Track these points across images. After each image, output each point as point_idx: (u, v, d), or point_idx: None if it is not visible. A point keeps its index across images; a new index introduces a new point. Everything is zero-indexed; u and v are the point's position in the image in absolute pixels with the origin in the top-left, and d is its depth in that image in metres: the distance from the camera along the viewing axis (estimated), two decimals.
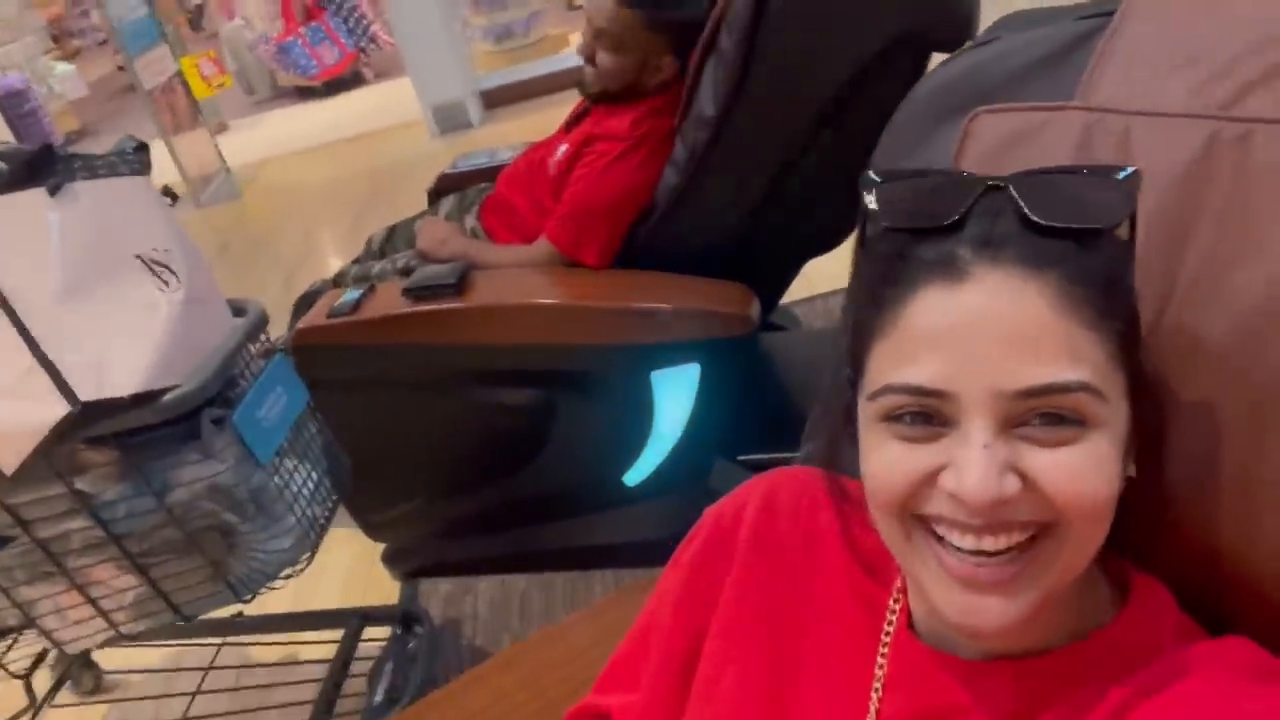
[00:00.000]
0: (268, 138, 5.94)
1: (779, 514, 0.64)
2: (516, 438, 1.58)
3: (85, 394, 0.96)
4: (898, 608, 0.58)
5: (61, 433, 0.97)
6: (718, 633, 0.63)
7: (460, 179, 2.02)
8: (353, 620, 1.54)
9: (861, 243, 0.53)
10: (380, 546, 1.84)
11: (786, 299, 2.01)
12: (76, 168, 1.09)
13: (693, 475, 1.54)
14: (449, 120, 4.94)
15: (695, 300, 1.44)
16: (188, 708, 1.52)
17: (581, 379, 1.50)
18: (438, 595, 1.80)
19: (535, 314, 1.46)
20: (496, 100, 5.20)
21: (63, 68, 7.25)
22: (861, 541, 0.61)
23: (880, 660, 0.56)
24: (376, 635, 1.62)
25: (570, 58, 4.95)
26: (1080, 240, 0.46)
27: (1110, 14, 0.63)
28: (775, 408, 1.83)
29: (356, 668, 1.53)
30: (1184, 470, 0.54)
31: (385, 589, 1.84)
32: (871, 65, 1.29)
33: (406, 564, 1.81)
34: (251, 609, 1.63)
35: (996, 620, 0.46)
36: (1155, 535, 0.56)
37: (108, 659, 1.77)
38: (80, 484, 1.08)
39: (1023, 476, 0.45)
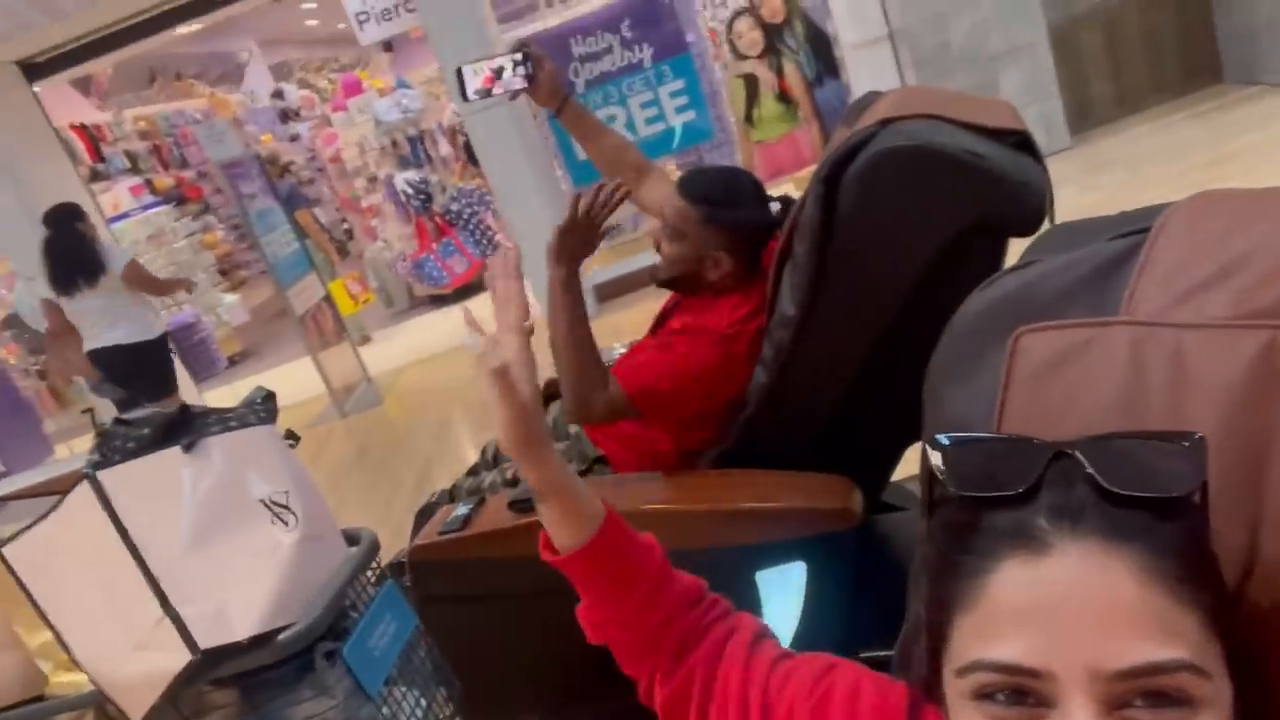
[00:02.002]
0: (405, 346, 6.39)
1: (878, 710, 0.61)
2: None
3: (205, 642, 1.02)
4: None
5: (184, 680, 1.03)
6: None
7: None
8: None
9: (929, 506, 0.53)
10: None
11: (903, 476, 1.95)
12: (210, 423, 1.20)
13: None
14: None
15: (795, 498, 1.42)
16: None
17: None
18: None
19: (636, 520, 1.46)
20: (608, 293, 5.46)
21: (229, 298, 8.12)
22: None
23: None
24: None
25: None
26: (1159, 510, 0.45)
27: (1145, 230, 0.63)
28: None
29: None
30: None
31: None
32: (948, 253, 1.31)
33: None
34: None
35: None
36: None
37: None
38: None
39: None
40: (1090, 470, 0.45)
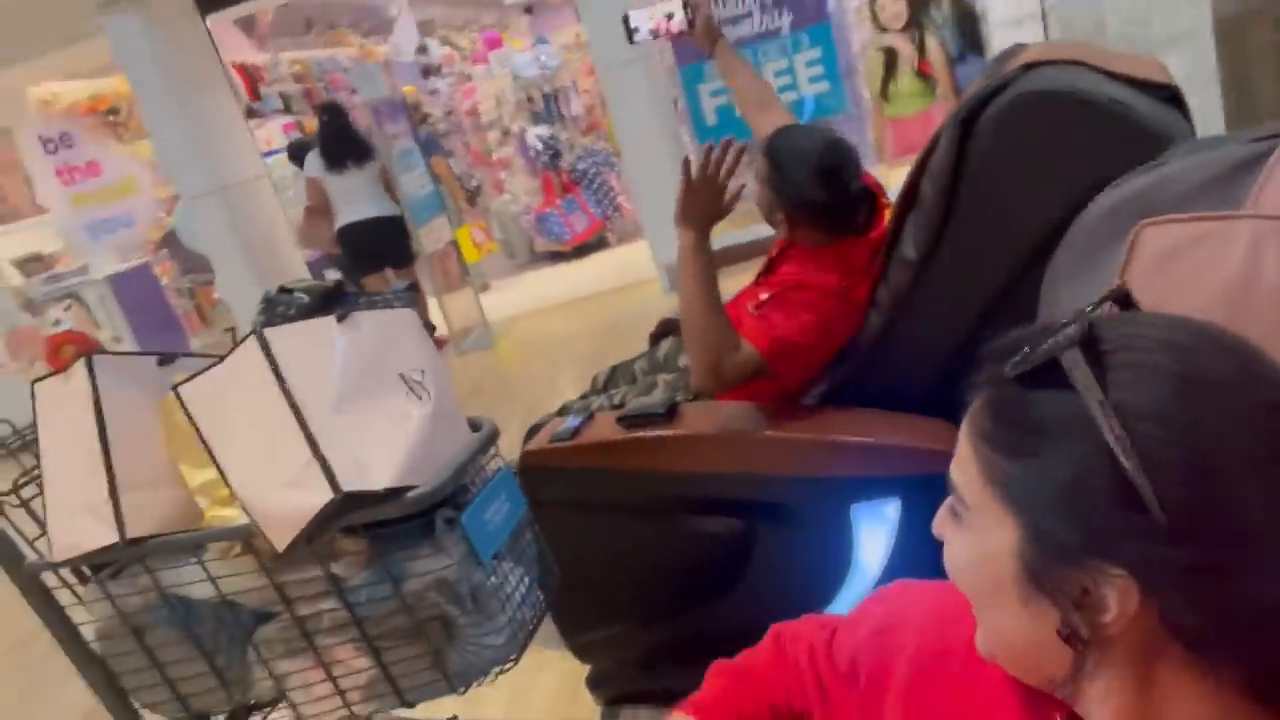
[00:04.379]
0: (523, 296, 6.58)
1: (950, 618, 0.65)
2: (717, 566, 1.62)
3: (347, 485, 1.14)
4: None
5: (325, 517, 1.15)
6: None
7: (680, 324, 2.17)
8: None
9: None
10: (585, 670, 1.91)
11: None
12: (361, 301, 1.32)
13: None
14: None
15: (897, 435, 1.45)
16: None
17: (782, 510, 1.53)
18: None
19: (739, 443, 1.52)
20: (720, 261, 5.48)
21: None
22: None
23: None
24: None
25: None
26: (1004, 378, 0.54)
27: (1276, 136, 0.64)
28: None
29: None
30: None
31: (586, 712, 1.88)
32: (1080, 209, 1.30)
33: (608, 690, 1.86)
34: (465, 717, 1.74)
35: None
36: None
37: None
38: (335, 568, 1.25)
39: None
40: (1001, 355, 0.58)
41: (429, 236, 5.28)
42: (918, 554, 1.51)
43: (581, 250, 7.18)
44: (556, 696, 1.94)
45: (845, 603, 1.52)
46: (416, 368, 1.30)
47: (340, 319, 1.26)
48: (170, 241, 6.94)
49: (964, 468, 0.56)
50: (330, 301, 1.29)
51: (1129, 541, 0.47)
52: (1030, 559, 0.52)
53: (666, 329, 2.19)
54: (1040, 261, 1.37)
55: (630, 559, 1.69)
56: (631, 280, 5.89)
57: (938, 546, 1.50)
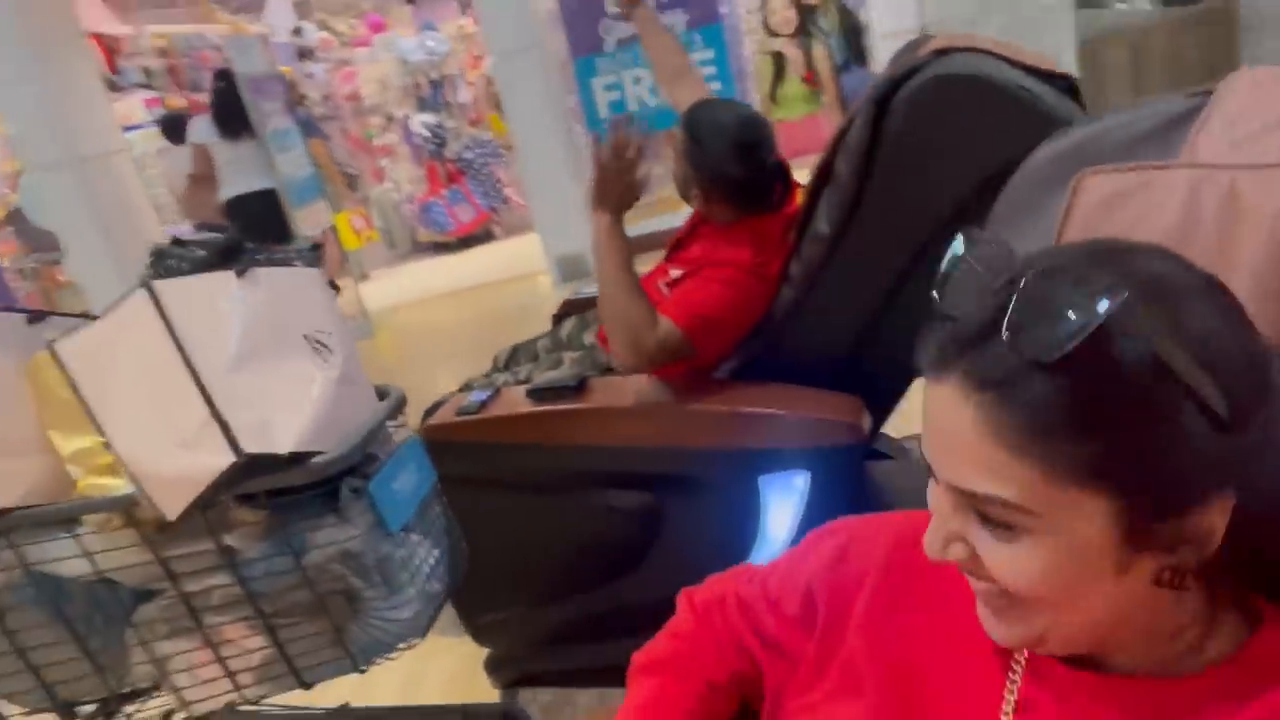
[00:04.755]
0: (404, 286, 6.40)
1: (911, 543, 0.66)
2: (623, 543, 1.60)
3: (249, 447, 1.06)
4: None
5: (225, 482, 1.07)
6: (849, 660, 0.64)
7: (582, 304, 2.15)
8: (455, 716, 1.54)
9: None
10: (483, 653, 1.86)
11: (899, 433, 2.01)
12: (261, 257, 1.24)
13: None
14: (572, 270, 5.24)
15: (806, 408, 1.47)
16: None
17: (691, 483, 1.53)
18: (536, 704, 1.78)
19: (650, 416, 1.51)
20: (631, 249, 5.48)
21: None
22: None
23: (1012, 679, 0.57)
24: None
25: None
26: (1040, 365, 0.45)
27: (1209, 92, 0.68)
28: None
29: None
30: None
31: (484, 696, 1.83)
32: (985, 189, 1.35)
33: (508, 672, 1.81)
34: (356, 703, 1.66)
35: (1000, 635, 0.55)
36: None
37: None
38: (228, 540, 1.16)
39: (973, 550, 0.51)
40: (1010, 305, 0.46)
41: (307, 220, 5.06)
42: (823, 522, 1.54)
43: (467, 241, 7.05)
44: (452, 681, 1.88)
45: None
46: (322, 329, 1.23)
47: (240, 274, 1.18)
48: (16, 220, 6.39)
49: (1007, 478, 0.47)
50: (228, 256, 1.21)
51: (1225, 465, 0.46)
52: (1127, 526, 0.47)
53: (569, 309, 2.17)
54: (946, 241, 1.43)
55: (536, 536, 1.66)
56: (520, 272, 5.82)
57: (847, 513, 1.52)
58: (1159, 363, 0.44)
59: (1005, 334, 0.46)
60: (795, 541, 1.48)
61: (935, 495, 0.53)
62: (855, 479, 1.54)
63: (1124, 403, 0.45)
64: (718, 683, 0.77)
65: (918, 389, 0.53)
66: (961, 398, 0.48)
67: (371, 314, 5.61)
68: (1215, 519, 0.48)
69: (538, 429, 1.57)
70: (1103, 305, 0.43)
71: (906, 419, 1.89)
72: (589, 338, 1.93)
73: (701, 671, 0.77)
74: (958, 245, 0.53)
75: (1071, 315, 0.44)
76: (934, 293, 0.52)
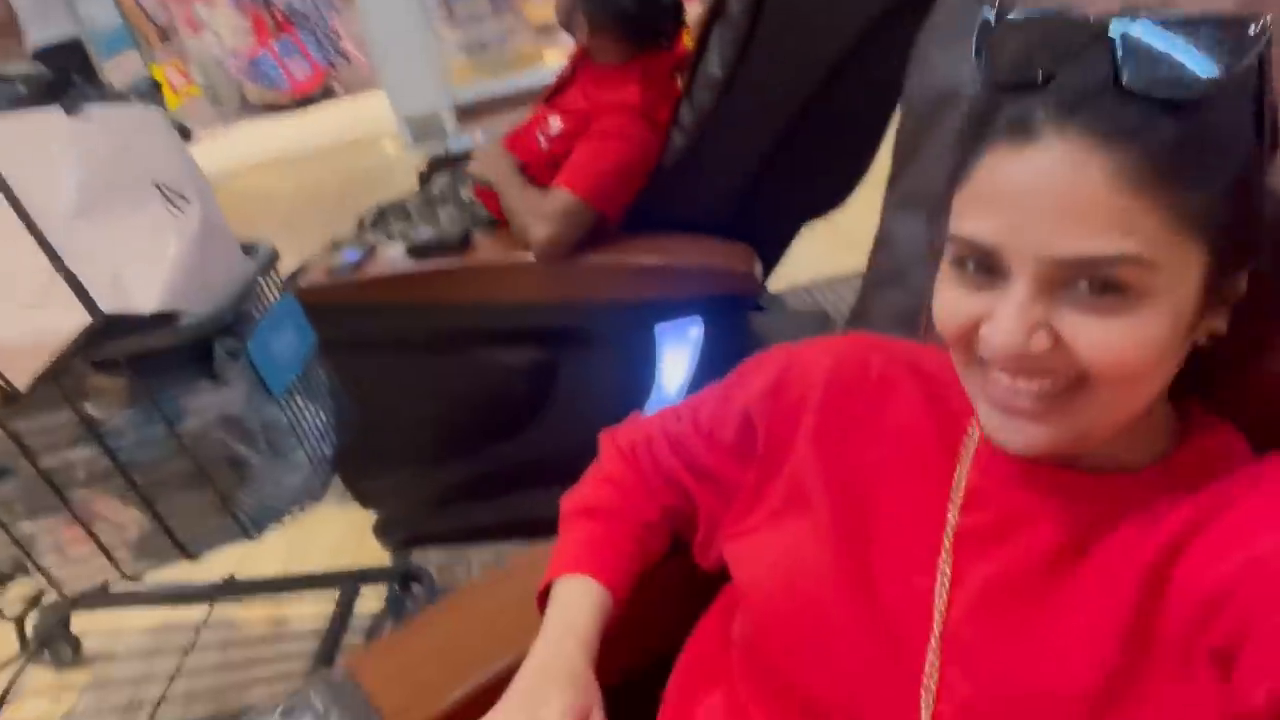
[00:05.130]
0: (236, 150, 5.89)
1: (851, 365, 0.66)
2: (516, 399, 1.58)
3: (106, 306, 0.95)
4: (976, 428, 0.59)
5: (81, 346, 0.96)
6: (792, 480, 0.64)
7: (452, 160, 2.03)
8: (349, 581, 1.51)
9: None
10: (370, 519, 1.82)
11: (774, 288, 2.05)
12: (92, 94, 1.08)
13: None
14: (425, 132, 4.95)
15: (699, 257, 1.46)
16: (174, 673, 1.48)
17: (584, 335, 1.50)
18: (429, 564, 1.77)
19: (539, 270, 1.46)
20: (473, 114, 5.22)
21: None
22: (935, 381, 0.63)
23: (959, 476, 0.58)
24: (369, 595, 1.59)
25: (545, 73, 4.99)
26: (1164, 107, 0.44)
27: None
28: None
29: (351, 626, 1.50)
30: None
31: (372, 560, 1.81)
32: (879, 25, 1.33)
33: (399, 533, 1.79)
34: (241, 572, 1.60)
35: (1024, 442, 0.50)
36: (1239, 382, 0.57)
37: (89, 624, 1.71)
38: (89, 409, 1.05)
39: (1057, 337, 0.47)
40: (1118, 56, 0.45)
41: (116, 71, 4.53)
42: (719, 369, 1.56)
43: (303, 102, 6.52)
44: (339, 547, 1.84)
45: None
46: (173, 175, 1.10)
47: (69, 110, 1.02)
48: None
49: (1135, 230, 0.44)
50: (56, 91, 1.04)
51: (1271, 227, 0.48)
52: (1208, 283, 0.47)
53: (437, 166, 2.04)
54: (839, 82, 1.41)
55: (424, 397, 1.60)
56: (366, 134, 5.46)
57: (735, 363, 1.55)
58: (1268, 107, 0.46)
59: (1132, 78, 0.44)
60: (690, 388, 1.51)
61: (1013, 287, 0.47)
62: (745, 328, 1.56)
63: (1239, 145, 0.46)
64: (651, 521, 0.77)
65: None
66: (1085, 153, 0.44)
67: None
68: (1242, 286, 0.50)
69: (422, 288, 1.50)
70: (1240, 43, 0.44)
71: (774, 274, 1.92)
72: (466, 194, 1.83)
73: (635, 512, 0.76)
74: (988, 14, 0.50)
75: (1200, 51, 0.44)
76: (982, 65, 0.50)
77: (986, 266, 0.49)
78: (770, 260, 1.67)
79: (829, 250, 2.18)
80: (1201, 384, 0.56)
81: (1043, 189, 0.46)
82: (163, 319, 1.02)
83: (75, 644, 1.67)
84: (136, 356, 1.03)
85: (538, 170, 1.62)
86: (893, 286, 0.78)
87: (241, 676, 1.57)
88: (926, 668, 0.53)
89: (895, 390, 0.64)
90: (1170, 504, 0.51)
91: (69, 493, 1.09)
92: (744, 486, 0.70)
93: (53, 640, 1.64)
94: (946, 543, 0.57)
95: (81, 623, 1.70)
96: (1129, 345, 0.46)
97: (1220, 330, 0.51)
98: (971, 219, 0.49)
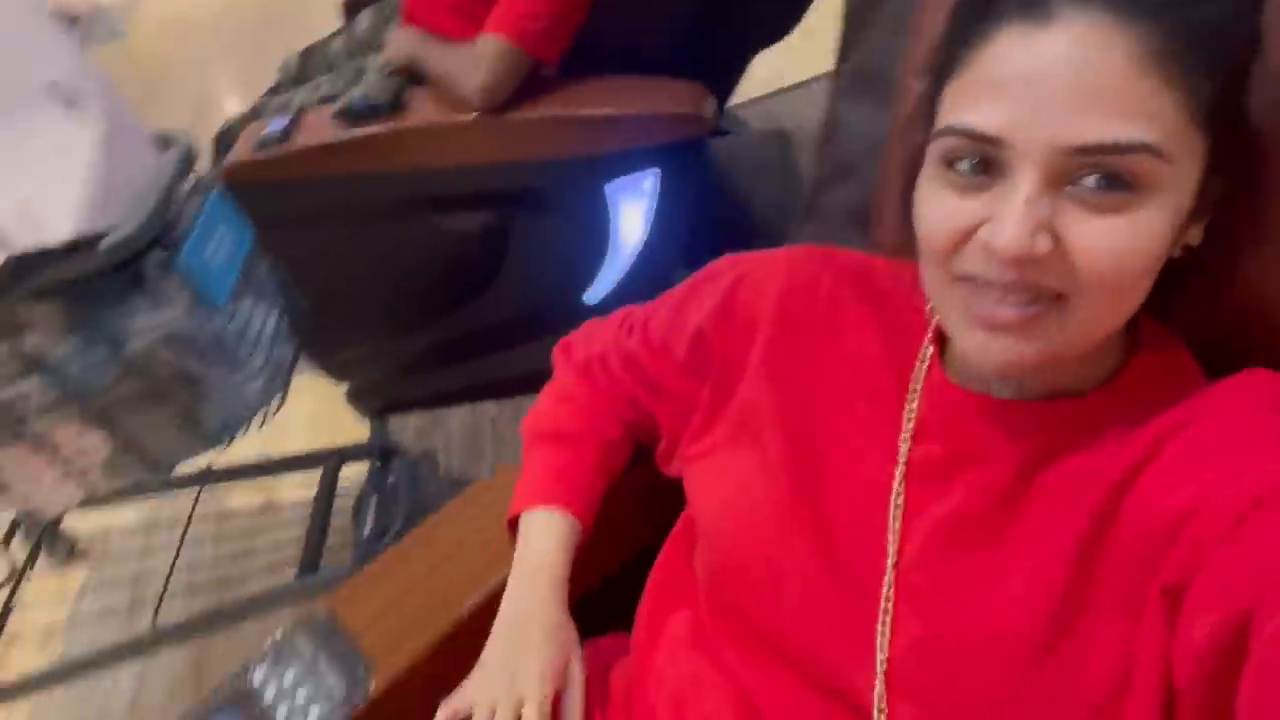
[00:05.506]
0: None
1: (801, 288, 0.64)
2: (470, 265, 1.53)
3: (19, 241, 0.89)
4: (929, 354, 0.58)
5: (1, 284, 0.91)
6: (745, 405, 0.64)
7: None
8: (330, 459, 1.53)
9: None
10: (342, 388, 1.82)
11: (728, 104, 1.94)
12: None
13: (655, 288, 1.52)
14: None
15: (649, 104, 1.37)
16: (173, 561, 1.53)
17: (534, 197, 1.44)
18: (408, 430, 1.80)
19: (481, 130, 1.38)
20: None
21: None
22: (887, 300, 0.61)
23: (910, 407, 0.57)
24: (351, 474, 1.63)
25: None
26: None
27: None
28: (730, 213, 1.81)
29: (337, 506, 1.54)
30: (1258, 239, 0.52)
31: (353, 430, 1.83)
32: None
33: (374, 400, 1.80)
34: (220, 461, 1.62)
35: (1007, 355, 0.47)
36: (1202, 301, 0.55)
37: (80, 523, 1.75)
38: (27, 342, 1.02)
39: (1057, 240, 0.44)
40: None
41: None
42: (676, 222, 1.52)
43: None
44: (315, 420, 1.86)
45: (607, 281, 1.52)
46: (66, 73, 0.99)
47: None
48: None
49: (1155, 115, 0.42)
50: None
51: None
52: (1207, 179, 0.46)
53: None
54: None
55: (375, 269, 1.55)
56: None
57: (694, 212, 1.50)
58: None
59: None
60: (649, 241, 1.47)
61: (1019, 182, 0.44)
62: (703, 169, 1.49)
63: (1243, 32, 0.45)
64: (613, 439, 0.77)
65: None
66: (1109, 32, 0.42)
67: (111, 7, 4.73)
68: (1218, 193, 0.48)
69: (357, 156, 1.41)
70: None
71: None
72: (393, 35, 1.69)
73: (597, 432, 0.76)
74: None
75: None
76: None
77: (983, 165, 0.46)
78: (723, 94, 1.57)
79: (779, 55, 2.05)
80: (1158, 301, 0.54)
81: (1061, 72, 0.42)
82: (84, 243, 0.96)
83: (70, 543, 1.71)
84: (66, 284, 0.98)
85: (457, 19, 1.48)
86: (844, 181, 0.73)
87: (238, 569, 1.62)
88: (881, 604, 0.55)
89: (845, 312, 0.63)
90: (1118, 436, 0.50)
91: (29, 423, 1.08)
92: (700, 403, 0.69)
93: (48, 540, 1.68)
94: (899, 475, 0.57)
95: (71, 525, 1.73)
96: (1127, 248, 0.44)
97: (1196, 242, 0.50)
98: (974, 109, 0.45)
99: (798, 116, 2.18)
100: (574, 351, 0.81)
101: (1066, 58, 0.42)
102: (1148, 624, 0.46)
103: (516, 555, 0.71)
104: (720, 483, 0.64)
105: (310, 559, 1.44)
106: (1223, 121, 0.45)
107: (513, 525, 0.75)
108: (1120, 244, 0.44)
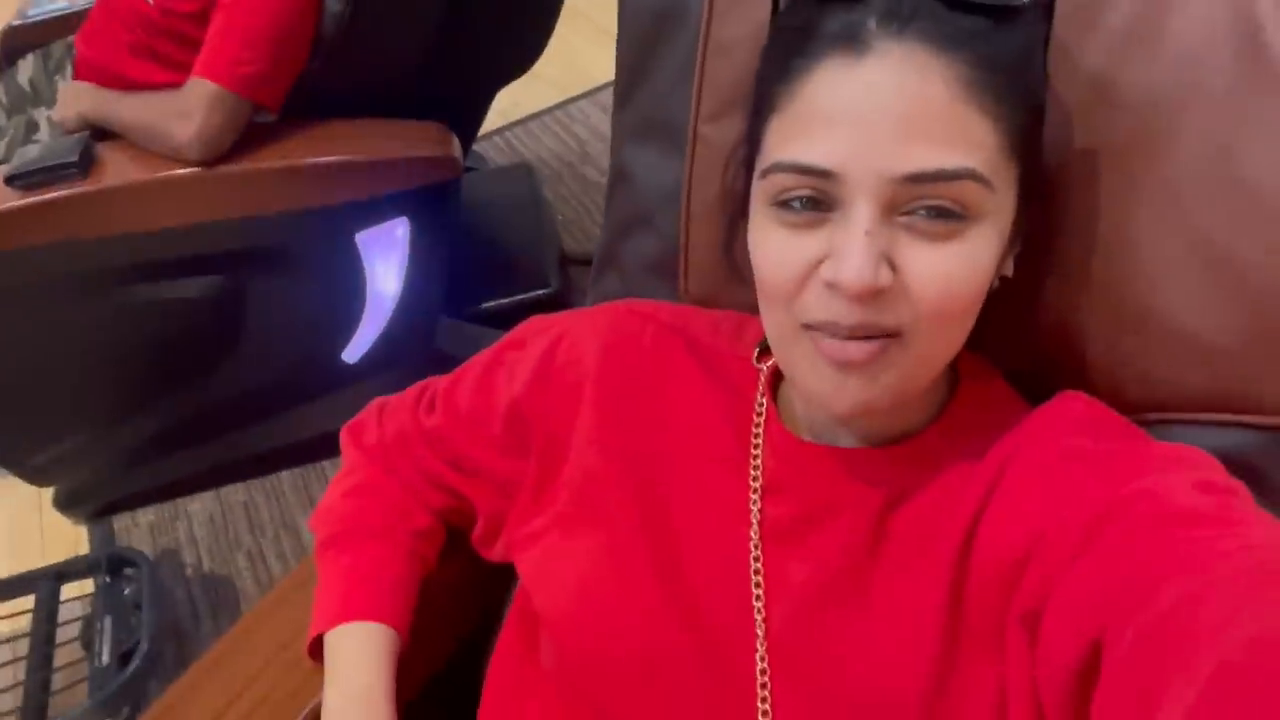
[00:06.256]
0: None
1: (623, 344, 0.60)
2: (200, 335, 1.36)
3: None
4: (764, 406, 0.57)
5: None
6: (579, 480, 0.59)
7: (38, 32, 1.60)
8: (44, 581, 1.28)
9: (774, 11, 0.49)
10: (48, 494, 1.55)
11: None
12: None
13: (419, 340, 1.44)
14: None
15: (388, 148, 1.28)
16: None
17: (269, 254, 1.30)
18: (140, 529, 1.55)
19: (196, 186, 1.22)
20: None
21: None
22: (711, 354, 0.60)
23: (755, 463, 0.55)
24: (74, 594, 1.37)
25: None
26: (996, 17, 0.44)
27: None
28: (487, 252, 1.75)
29: (60, 636, 1.30)
30: (1059, 272, 0.55)
31: (67, 539, 1.56)
32: None
33: (89, 504, 1.54)
34: None
35: (861, 395, 0.47)
36: (1013, 331, 0.57)
37: None
38: None
39: (895, 271, 0.44)
40: None
41: None
42: (434, 269, 1.42)
43: None
44: (18, 536, 1.56)
45: (367, 336, 1.41)
46: None
47: None
48: None
49: (977, 144, 0.43)
50: None
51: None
52: (1020, 209, 0.47)
53: (20, 40, 1.59)
54: None
55: (76, 352, 1.33)
56: None
57: (452, 257, 1.43)
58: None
59: None
60: (407, 291, 1.37)
61: (854, 215, 0.43)
62: (455, 212, 1.42)
63: (1041, 66, 0.47)
64: (421, 528, 0.69)
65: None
66: (924, 61, 0.42)
67: None
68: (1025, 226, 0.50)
69: (36, 226, 1.19)
70: None
71: None
72: (63, 84, 1.46)
73: (401, 523, 0.68)
74: None
75: None
76: None
77: (814, 201, 0.45)
78: (468, 134, 1.51)
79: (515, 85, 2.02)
80: (973, 332, 0.56)
81: (885, 101, 0.42)
82: None
83: None
84: None
85: (149, 38, 1.29)
86: (640, 231, 0.71)
87: None
88: (758, 679, 0.53)
89: (673, 367, 0.60)
90: (960, 471, 0.51)
91: None
92: (525, 482, 0.63)
93: None
94: (754, 537, 0.55)
95: None
96: (962, 274, 0.45)
97: (1009, 272, 0.52)
98: (801, 143, 0.44)
99: (537, 147, 2.15)
100: (365, 434, 0.72)
101: (887, 86, 0.43)
102: (1012, 654, 0.47)
103: (327, 679, 0.61)
104: (566, 569, 0.58)
105: (35, 707, 1.20)
106: (1030, 154, 0.47)
107: (315, 646, 0.65)
108: (953, 271, 0.45)
